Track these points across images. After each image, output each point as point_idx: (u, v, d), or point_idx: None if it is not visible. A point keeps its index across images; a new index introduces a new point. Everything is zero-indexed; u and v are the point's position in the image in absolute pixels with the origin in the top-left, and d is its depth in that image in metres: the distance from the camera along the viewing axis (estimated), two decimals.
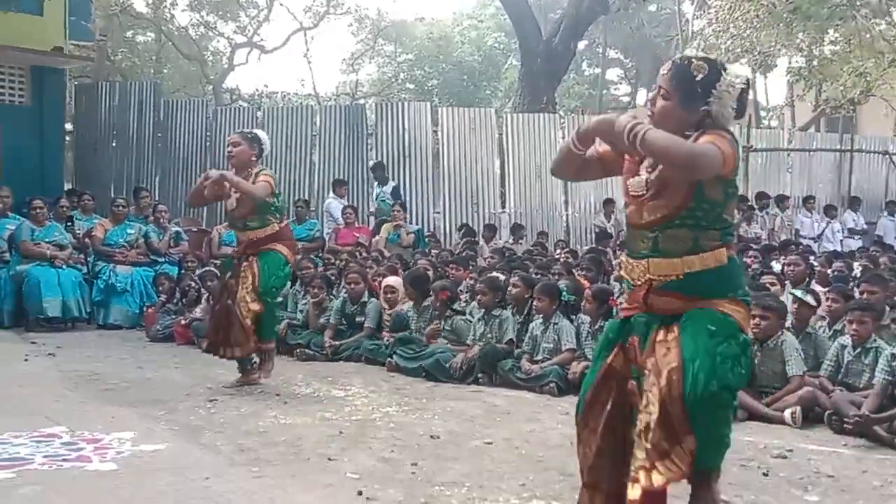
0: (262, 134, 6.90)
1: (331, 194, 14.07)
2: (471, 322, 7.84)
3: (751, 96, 29.84)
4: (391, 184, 14.25)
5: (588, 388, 3.37)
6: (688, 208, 3.16)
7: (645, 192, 3.23)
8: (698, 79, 3.17)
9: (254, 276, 6.47)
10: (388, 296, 8.82)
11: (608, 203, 14.75)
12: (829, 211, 15.99)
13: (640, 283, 3.29)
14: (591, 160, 3.38)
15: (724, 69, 3.21)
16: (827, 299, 6.96)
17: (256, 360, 6.80)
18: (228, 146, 6.65)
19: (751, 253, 10.26)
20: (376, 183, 14.36)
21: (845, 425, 5.47)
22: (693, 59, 3.20)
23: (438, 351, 7.59)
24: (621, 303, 4.14)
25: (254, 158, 6.61)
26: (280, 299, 7.94)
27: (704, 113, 3.18)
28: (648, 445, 3.05)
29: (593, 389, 3.34)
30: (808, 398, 5.86)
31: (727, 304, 3.19)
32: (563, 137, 15.90)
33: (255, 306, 6.47)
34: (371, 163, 14.80)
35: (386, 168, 14.56)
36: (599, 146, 3.34)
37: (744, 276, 3.45)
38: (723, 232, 3.23)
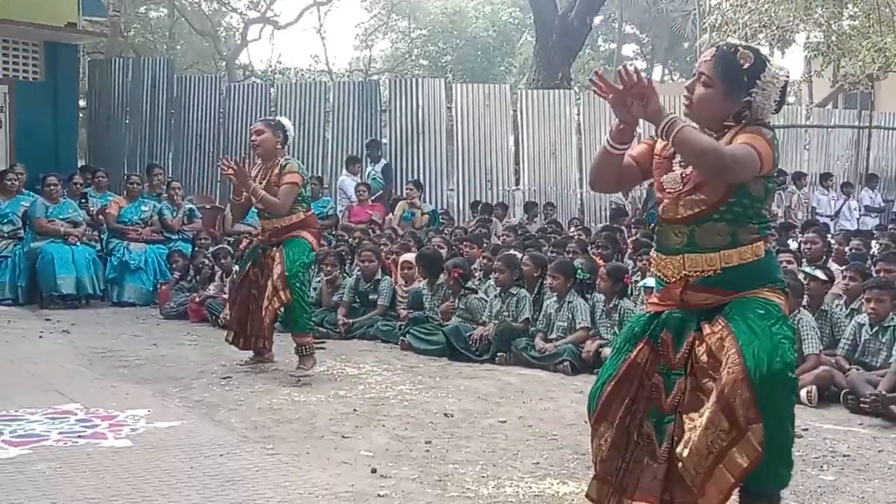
0: (285, 121, 6.78)
1: (344, 171, 14.03)
2: (485, 301, 7.82)
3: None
4: (382, 161, 14.11)
5: (608, 381, 3.30)
6: (727, 203, 3.06)
7: (681, 187, 3.14)
8: (745, 68, 3.06)
9: (281, 263, 6.30)
10: (406, 272, 8.80)
11: None
12: (846, 188, 15.87)
13: (675, 279, 3.18)
14: (630, 165, 3.29)
15: (769, 61, 3.11)
16: (844, 277, 6.91)
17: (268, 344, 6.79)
18: (252, 135, 6.50)
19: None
20: (369, 160, 14.24)
21: (861, 404, 5.44)
22: (739, 47, 3.09)
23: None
24: (644, 297, 4.05)
25: (279, 146, 6.48)
26: (309, 290, 7.72)
27: (745, 104, 3.08)
28: (704, 446, 2.95)
29: (615, 383, 3.26)
30: (825, 377, 5.82)
31: (767, 292, 3.10)
32: (578, 114, 15.83)
33: (284, 295, 6.26)
34: (367, 140, 14.65)
35: (381, 146, 14.45)
36: (633, 150, 3.28)
37: (780, 268, 3.36)
38: (761, 226, 3.15)
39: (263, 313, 6.40)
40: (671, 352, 3.18)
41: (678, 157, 3.15)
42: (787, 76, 3.13)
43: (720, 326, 3.04)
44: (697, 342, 3.12)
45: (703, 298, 3.14)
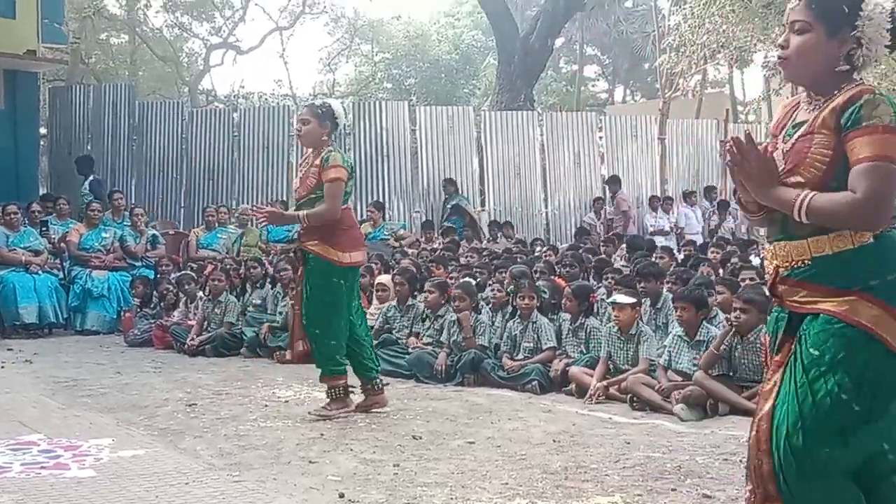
0: (336, 105, 6.01)
1: None
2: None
3: (727, 91, 29.81)
4: (91, 177, 13.44)
5: None
6: (827, 185, 2.56)
7: (783, 166, 2.67)
8: None
9: (298, 301, 5.86)
10: (380, 293, 8.79)
11: (597, 201, 14.96)
12: None
13: (769, 271, 2.76)
14: None
15: None
16: None
17: (380, 379, 6.18)
18: (297, 123, 5.90)
19: (728, 248, 10.28)
20: (82, 177, 13.55)
21: None
22: None
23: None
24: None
25: (325, 137, 5.83)
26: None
27: (854, 42, 2.59)
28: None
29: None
30: None
31: (857, 303, 2.51)
32: (542, 135, 15.94)
33: (304, 344, 5.95)
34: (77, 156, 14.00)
35: (94, 162, 13.80)
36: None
37: None
38: None
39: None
40: (769, 356, 2.77)
41: (784, 133, 2.74)
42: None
43: (784, 354, 2.66)
44: (788, 342, 2.68)
45: (792, 294, 2.65)
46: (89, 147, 15.18)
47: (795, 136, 2.66)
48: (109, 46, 30.12)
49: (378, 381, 6.07)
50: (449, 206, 14.44)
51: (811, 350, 2.52)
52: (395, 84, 34.03)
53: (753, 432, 2.59)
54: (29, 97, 13.94)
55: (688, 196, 15.57)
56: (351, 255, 5.84)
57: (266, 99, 30.95)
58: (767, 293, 2.86)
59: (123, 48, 30.90)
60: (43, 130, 16.39)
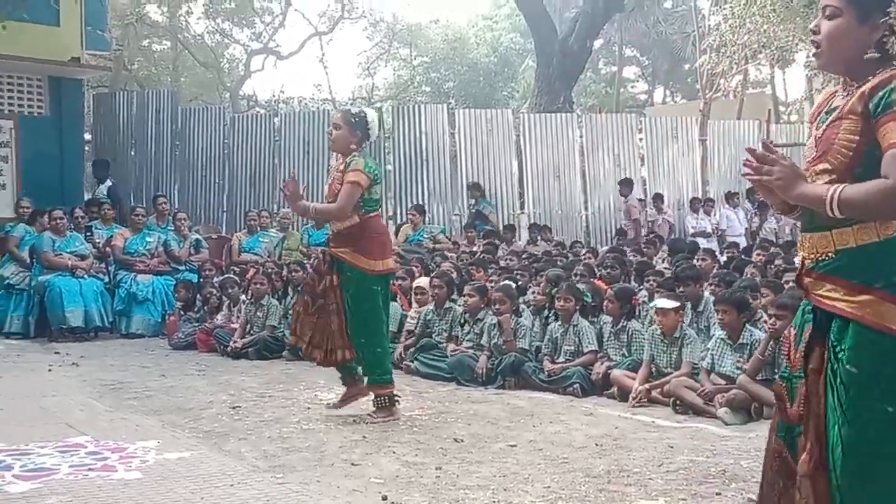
0: (370, 114, 5.98)
1: None
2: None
3: (768, 91, 29.48)
4: (107, 183, 13.55)
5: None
6: (854, 172, 2.49)
7: (815, 151, 2.63)
8: None
9: (339, 311, 5.77)
10: (419, 297, 8.81)
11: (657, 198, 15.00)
12: None
13: (799, 263, 2.71)
14: None
15: None
16: None
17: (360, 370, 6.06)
18: (330, 127, 5.96)
19: (771, 250, 10.17)
20: (97, 182, 13.70)
21: None
22: None
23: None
24: None
25: (353, 146, 5.82)
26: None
27: (886, 28, 2.51)
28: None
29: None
30: None
31: (880, 304, 2.44)
32: (581, 137, 15.88)
33: (347, 353, 5.84)
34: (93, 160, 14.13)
35: (109, 166, 13.97)
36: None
37: None
38: None
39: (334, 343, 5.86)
40: (792, 350, 2.70)
41: (818, 120, 2.69)
42: None
43: (818, 360, 2.57)
44: (818, 346, 2.58)
45: (819, 288, 2.57)
46: (133, 152, 15.40)
47: (827, 122, 2.61)
48: (152, 53, 30.49)
49: (357, 374, 6.02)
50: (474, 210, 14.39)
51: (849, 367, 2.43)
52: (434, 87, 34.07)
53: (804, 456, 2.50)
54: (73, 104, 14.12)
55: (730, 198, 15.45)
56: (383, 262, 5.88)
57: (306, 103, 31.12)
58: (795, 286, 2.81)
59: (165, 54, 31.24)
60: (87, 136, 16.61)
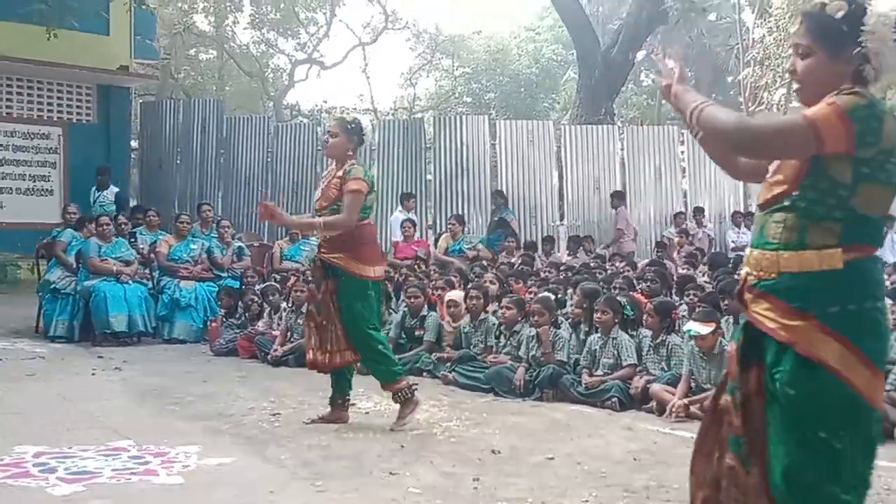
0: (365, 122, 6.19)
1: (399, 208, 14.08)
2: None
3: None
4: (113, 189, 13.33)
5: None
6: (801, 186, 2.50)
7: (774, 164, 2.65)
8: (839, 17, 2.56)
9: (337, 315, 5.86)
10: (451, 310, 8.81)
11: (678, 216, 14.79)
12: (887, 220, 15.56)
13: (742, 277, 2.71)
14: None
15: (867, 2, 2.62)
16: (893, 312, 6.78)
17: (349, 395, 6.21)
18: (325, 135, 6.12)
19: None
20: (95, 188, 13.41)
21: None
22: (825, 2, 2.61)
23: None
24: None
25: (350, 152, 5.97)
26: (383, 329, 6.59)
27: (860, 58, 2.55)
28: None
29: (709, 414, 2.93)
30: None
31: (810, 331, 2.47)
32: (622, 149, 15.83)
33: (350, 355, 5.95)
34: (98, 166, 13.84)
35: (110, 171, 13.59)
36: None
37: (874, 288, 2.54)
38: (845, 225, 2.49)
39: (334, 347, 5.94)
40: (733, 362, 2.72)
41: None
42: None
43: (755, 381, 2.63)
44: (756, 365, 2.63)
45: (757, 306, 2.60)
46: (178, 160, 15.62)
47: None
48: (198, 62, 30.93)
49: (348, 398, 6.16)
50: (496, 217, 14.32)
51: (787, 390, 2.48)
52: (475, 98, 34.13)
53: (725, 460, 2.64)
54: (121, 111, 14.41)
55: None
56: (375, 269, 6.02)
57: (348, 113, 31.28)
58: (736, 299, 2.82)
59: (211, 64, 31.65)
60: (134, 144, 16.87)
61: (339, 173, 5.94)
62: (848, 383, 2.43)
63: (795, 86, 2.69)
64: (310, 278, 6.59)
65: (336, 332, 5.91)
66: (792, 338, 2.48)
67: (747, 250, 2.70)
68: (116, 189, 13.38)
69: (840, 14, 2.56)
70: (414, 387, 6.09)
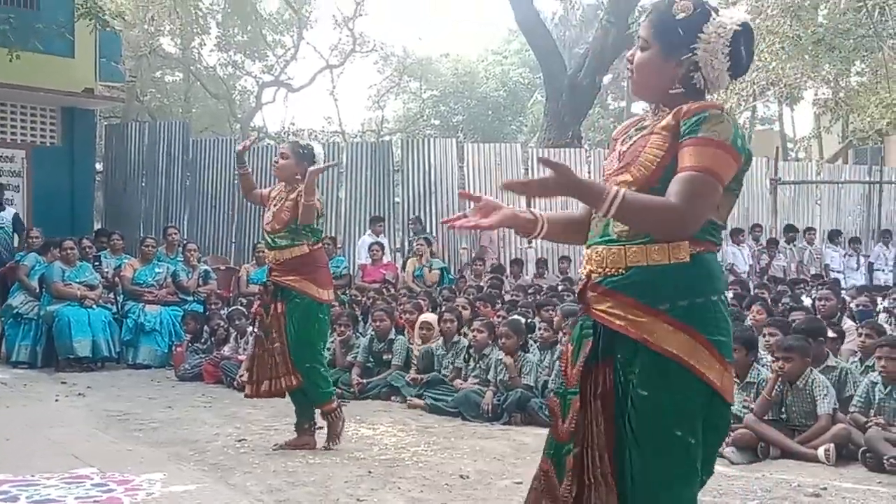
0: (318, 149, 6.19)
1: (367, 231, 14.04)
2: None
3: (776, 128, 29.48)
4: (10, 210, 12.67)
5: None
6: (653, 188, 2.46)
7: (616, 165, 2.62)
8: (679, 18, 2.53)
9: (282, 337, 5.90)
10: (424, 332, 8.81)
11: None
12: (854, 244, 15.83)
13: (583, 276, 2.64)
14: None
15: (716, 11, 2.56)
16: (860, 334, 6.88)
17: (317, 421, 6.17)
18: (276, 157, 6.13)
19: (779, 288, 10.18)
20: None
21: (885, 464, 5.37)
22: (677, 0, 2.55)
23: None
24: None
25: (298, 176, 5.96)
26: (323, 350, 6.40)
27: (690, 64, 2.54)
28: None
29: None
30: (842, 435, 5.78)
31: (656, 324, 2.43)
32: (589, 172, 15.92)
33: (294, 379, 5.91)
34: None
35: (3, 191, 12.70)
36: None
37: (717, 282, 2.54)
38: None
39: (275, 374, 5.96)
40: (568, 366, 2.64)
41: (625, 136, 2.71)
42: (741, 27, 2.53)
43: (604, 386, 2.53)
44: (601, 365, 2.55)
45: (602, 304, 2.53)
46: (143, 183, 15.51)
47: (635, 137, 2.62)
48: (164, 84, 30.78)
49: (314, 423, 6.16)
50: (6, 215, 12.51)
51: (640, 391, 2.42)
52: (443, 121, 34.29)
53: (567, 465, 2.51)
54: (86, 134, 14.26)
55: (735, 235, 15.43)
56: (327, 292, 6.09)
57: (316, 136, 31.30)
58: (576, 300, 2.76)
59: (178, 86, 31.53)
60: (98, 166, 16.74)
61: (292, 196, 5.98)
62: (702, 378, 2.41)
63: (629, 74, 2.66)
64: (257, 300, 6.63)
65: (277, 358, 5.94)
66: (642, 334, 2.43)
67: (586, 249, 2.65)
68: (14, 210, 12.85)
69: (682, 16, 2.54)
70: (343, 404, 6.41)
